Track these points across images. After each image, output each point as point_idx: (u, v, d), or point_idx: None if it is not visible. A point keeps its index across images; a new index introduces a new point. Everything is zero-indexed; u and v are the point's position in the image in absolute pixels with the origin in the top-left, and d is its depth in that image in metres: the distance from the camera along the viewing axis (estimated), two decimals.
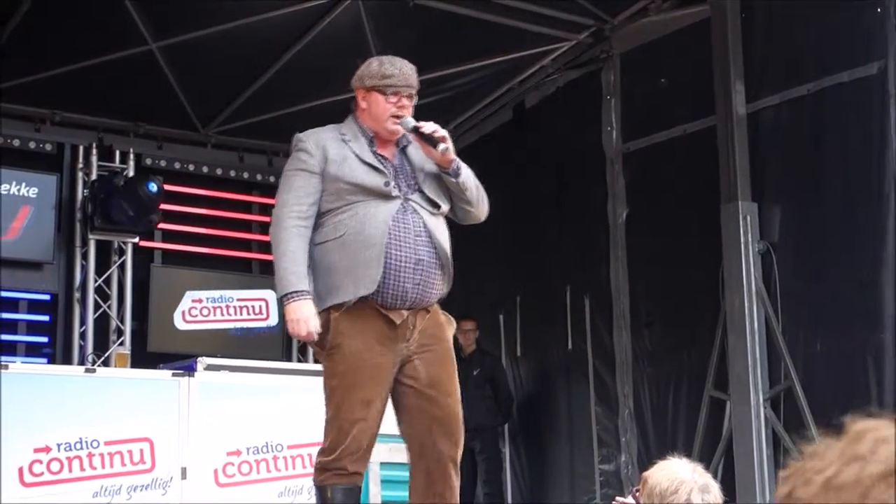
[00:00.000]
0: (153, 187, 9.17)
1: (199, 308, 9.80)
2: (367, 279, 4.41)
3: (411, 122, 4.60)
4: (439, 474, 4.55)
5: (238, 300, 9.99)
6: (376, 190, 4.51)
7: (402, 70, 4.65)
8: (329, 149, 4.58)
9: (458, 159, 4.65)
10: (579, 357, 9.25)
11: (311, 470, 7.84)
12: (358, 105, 4.70)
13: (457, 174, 4.63)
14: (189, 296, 9.77)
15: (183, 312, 9.74)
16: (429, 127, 4.58)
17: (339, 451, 4.40)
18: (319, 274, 4.49)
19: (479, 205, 4.80)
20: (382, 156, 4.62)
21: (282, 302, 4.42)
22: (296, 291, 4.37)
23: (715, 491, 3.23)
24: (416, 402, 4.55)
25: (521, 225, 9.37)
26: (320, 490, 4.48)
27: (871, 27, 7.31)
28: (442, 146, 4.52)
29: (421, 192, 4.60)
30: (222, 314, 9.92)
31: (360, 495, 4.55)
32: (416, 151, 4.68)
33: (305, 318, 4.35)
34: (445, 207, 4.67)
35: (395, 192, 4.52)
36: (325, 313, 4.43)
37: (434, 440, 4.54)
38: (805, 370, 7.55)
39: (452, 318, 4.77)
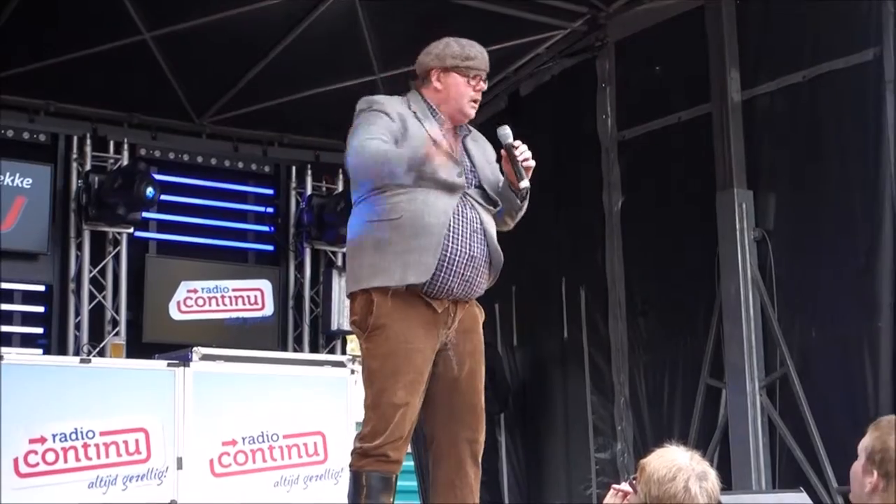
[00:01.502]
0: (150, 193, 9.15)
1: (194, 298, 9.80)
2: (420, 267, 4.30)
3: (509, 136, 4.48)
4: (456, 467, 4.48)
5: (233, 290, 9.99)
6: (448, 182, 4.39)
7: (483, 54, 4.57)
8: (408, 120, 4.43)
9: (529, 187, 4.54)
10: (575, 346, 9.25)
11: (307, 459, 7.87)
12: (430, 84, 4.56)
13: (524, 199, 4.55)
14: (184, 286, 9.76)
15: (178, 303, 9.74)
16: (522, 152, 4.47)
17: (382, 438, 4.29)
18: (367, 251, 4.36)
19: (514, 222, 4.75)
20: (449, 144, 4.48)
21: (413, 163, 4.24)
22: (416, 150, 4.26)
23: (713, 479, 3.22)
24: (442, 392, 4.46)
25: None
26: (356, 475, 4.35)
27: (866, 13, 7.30)
28: (524, 183, 4.45)
29: (480, 187, 4.51)
30: (217, 304, 9.92)
31: (396, 484, 4.42)
32: (475, 146, 4.60)
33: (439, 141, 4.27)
34: (496, 207, 4.58)
35: (464, 185, 4.43)
36: (365, 292, 4.32)
37: (455, 432, 4.48)
38: (801, 358, 7.55)
39: (482, 310, 4.67)
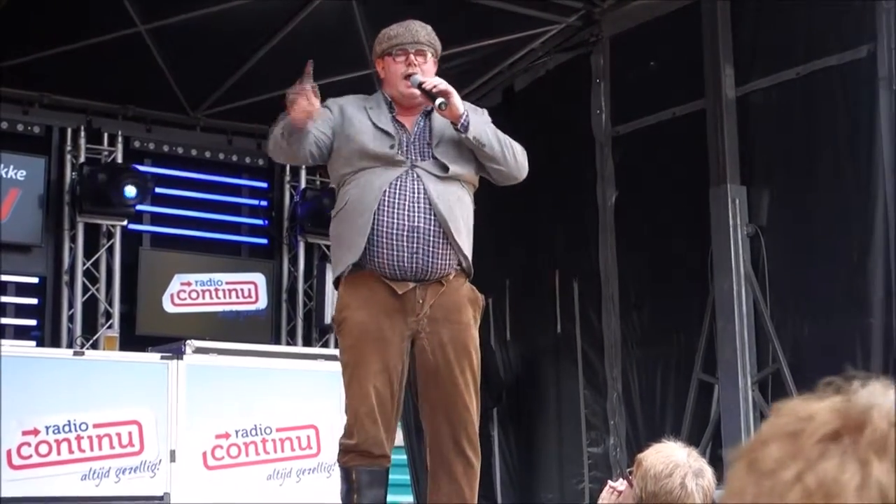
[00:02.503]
0: (132, 192, 9.15)
1: (187, 291, 9.79)
2: (352, 247, 4.30)
3: (418, 79, 4.46)
4: (440, 460, 4.43)
5: (227, 283, 9.98)
6: (381, 154, 4.38)
7: (409, 28, 4.55)
8: (346, 108, 4.49)
9: (467, 113, 4.44)
10: (568, 340, 9.26)
11: (300, 453, 7.88)
12: (379, 77, 4.63)
13: (465, 128, 4.42)
14: (178, 279, 9.75)
15: (171, 295, 9.73)
16: (430, 83, 4.43)
17: (357, 437, 4.28)
18: (332, 247, 4.47)
19: (508, 161, 4.58)
20: (400, 123, 4.48)
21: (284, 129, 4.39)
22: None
23: (709, 476, 3.23)
24: (422, 383, 4.42)
25: (510, 208, 9.37)
26: (345, 472, 4.35)
27: (860, 10, 7.31)
28: (439, 100, 4.35)
29: (434, 158, 4.44)
30: (211, 297, 9.91)
31: (387, 476, 4.40)
32: (438, 117, 4.51)
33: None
34: (458, 170, 4.47)
35: (399, 157, 4.38)
36: (336, 289, 4.38)
37: (436, 425, 4.43)
38: (793, 353, 7.57)
39: (482, 297, 4.57)
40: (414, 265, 4.34)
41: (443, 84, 4.43)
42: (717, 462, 7.59)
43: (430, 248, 4.37)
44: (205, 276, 9.91)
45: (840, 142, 7.40)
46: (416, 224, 4.34)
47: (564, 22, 9.23)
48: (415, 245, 4.33)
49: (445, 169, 4.45)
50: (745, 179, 7.93)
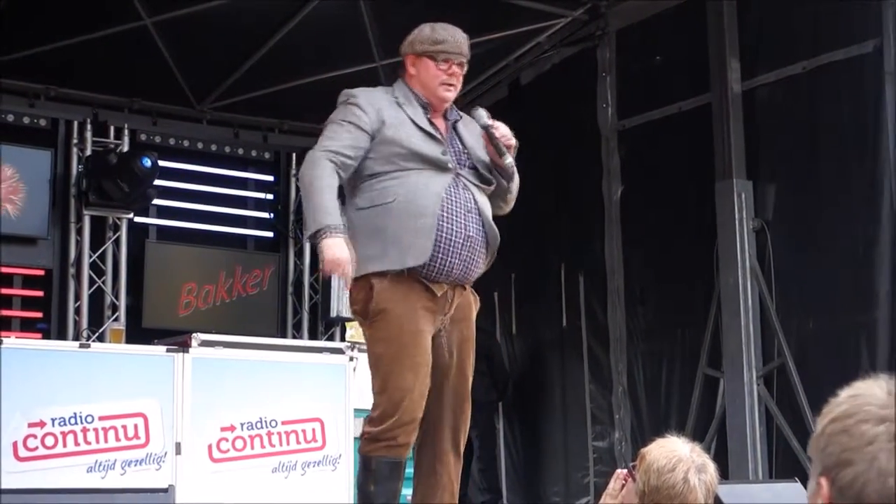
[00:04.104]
0: (147, 162, 9.15)
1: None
2: (416, 249, 4.29)
3: (484, 117, 4.52)
4: (438, 453, 4.50)
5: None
6: (433, 159, 4.39)
7: (455, 37, 4.54)
8: (384, 110, 4.42)
9: (514, 165, 4.56)
10: (573, 334, 9.27)
11: (305, 445, 7.88)
12: (406, 71, 4.57)
13: (510, 179, 4.57)
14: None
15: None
16: (501, 131, 4.50)
17: (391, 421, 4.29)
18: (361, 239, 4.31)
19: (510, 206, 4.75)
20: (435, 126, 4.49)
21: (316, 237, 4.15)
22: (331, 226, 4.14)
23: (711, 471, 3.23)
24: (432, 379, 4.43)
25: (516, 202, 9.36)
26: (366, 460, 4.37)
27: (866, 5, 7.31)
28: (508, 160, 4.47)
29: (473, 168, 4.50)
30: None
31: (404, 469, 4.44)
32: (465, 129, 4.58)
33: (343, 256, 4.12)
34: (490, 184, 4.57)
35: (450, 164, 4.42)
36: (364, 279, 4.29)
37: (440, 419, 4.49)
38: (798, 348, 7.57)
39: (477, 298, 4.66)
40: (462, 272, 4.43)
41: (512, 138, 4.54)
42: (722, 456, 7.61)
43: (476, 258, 4.47)
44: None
45: (846, 136, 7.39)
46: (470, 233, 4.42)
47: (571, 16, 9.23)
48: (467, 253, 4.41)
49: (485, 181, 4.55)
50: (751, 174, 7.94)
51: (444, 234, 4.34)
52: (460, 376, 4.53)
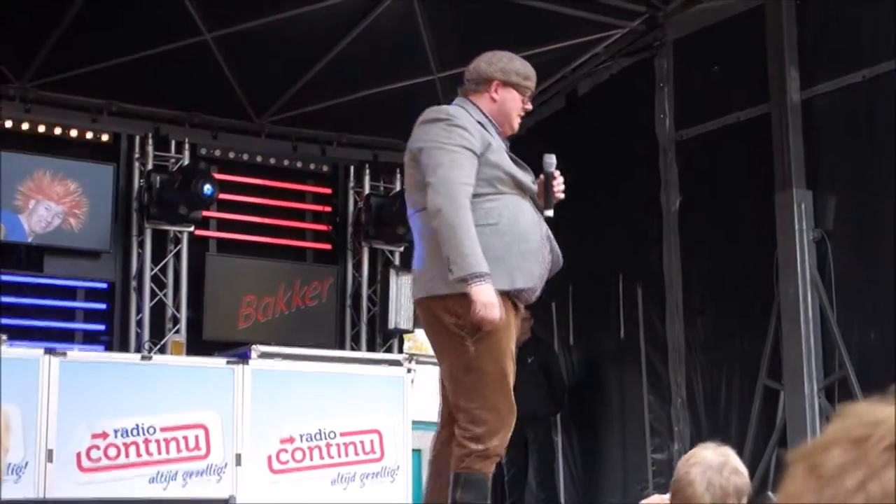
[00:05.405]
0: (209, 191, 9.24)
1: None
2: (524, 272, 4.45)
3: (553, 164, 4.67)
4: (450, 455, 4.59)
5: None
6: (525, 185, 4.55)
7: (533, 74, 4.77)
8: (482, 133, 4.53)
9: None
10: (632, 345, 9.24)
11: (364, 457, 7.91)
12: (485, 94, 4.65)
13: (546, 220, 4.71)
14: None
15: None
16: (559, 183, 4.67)
17: (500, 436, 4.42)
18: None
19: None
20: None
21: (466, 281, 4.25)
22: (484, 274, 4.25)
23: (730, 473, 3.18)
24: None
25: (574, 213, 9.33)
26: (482, 480, 4.42)
27: None
28: (549, 213, 4.62)
29: (532, 199, 4.64)
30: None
31: None
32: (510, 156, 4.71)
33: (495, 303, 4.25)
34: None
35: (533, 192, 4.60)
36: (466, 296, 4.31)
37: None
38: (860, 359, 7.50)
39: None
40: (537, 292, 4.60)
41: (562, 194, 4.70)
42: (783, 469, 7.54)
43: (545, 281, 4.63)
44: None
45: None
46: (547, 258, 4.59)
47: (628, 26, 9.21)
48: (545, 275, 4.59)
49: (541, 211, 4.67)
50: (810, 184, 7.88)
51: (544, 259, 4.54)
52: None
